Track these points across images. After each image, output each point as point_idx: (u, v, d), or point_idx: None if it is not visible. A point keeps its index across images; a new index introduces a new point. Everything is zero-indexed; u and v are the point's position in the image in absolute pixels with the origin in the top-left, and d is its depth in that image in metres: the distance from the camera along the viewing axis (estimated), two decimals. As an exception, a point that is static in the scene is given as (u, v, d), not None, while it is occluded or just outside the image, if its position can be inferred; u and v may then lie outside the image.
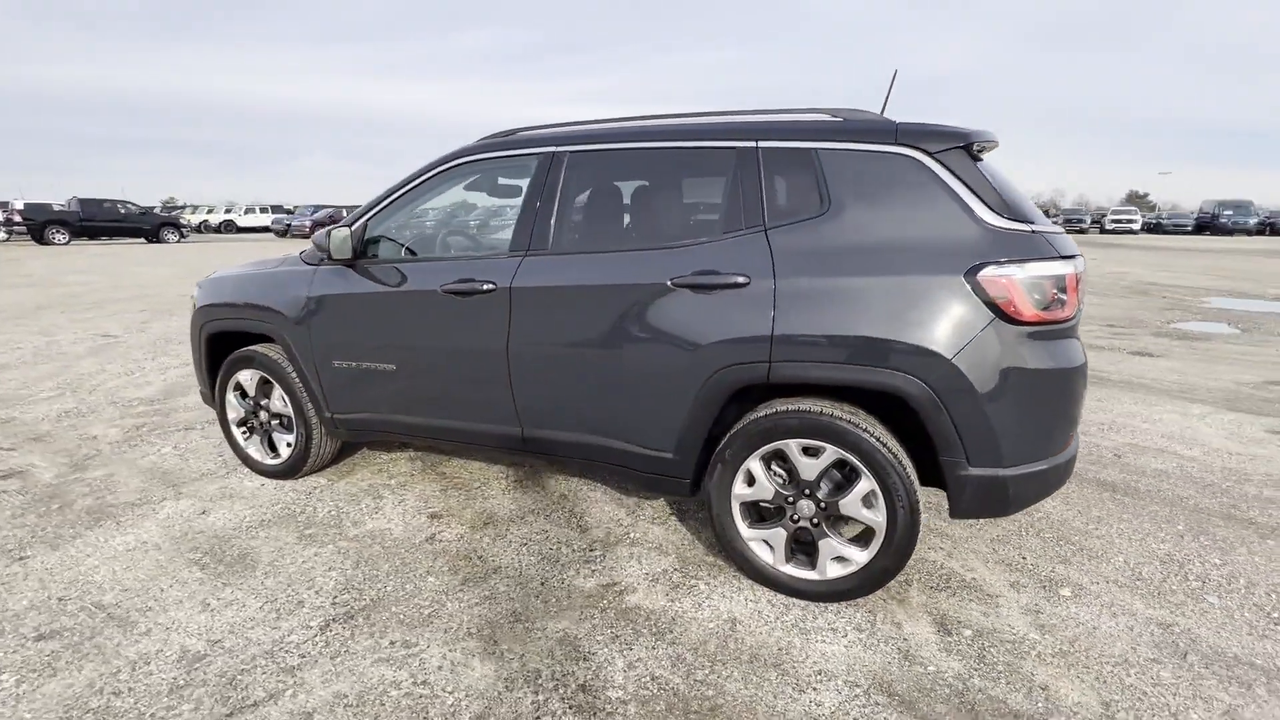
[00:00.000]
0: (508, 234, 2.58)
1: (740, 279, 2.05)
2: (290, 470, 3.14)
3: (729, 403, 2.14)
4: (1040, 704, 1.74)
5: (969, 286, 1.84)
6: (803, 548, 2.20)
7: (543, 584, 2.33)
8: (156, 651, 1.97)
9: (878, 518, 2.01)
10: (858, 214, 1.99)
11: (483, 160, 2.62)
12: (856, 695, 1.77)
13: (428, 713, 1.73)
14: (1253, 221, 32.04)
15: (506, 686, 1.83)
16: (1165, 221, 36.12)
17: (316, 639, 2.03)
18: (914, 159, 1.97)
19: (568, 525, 2.75)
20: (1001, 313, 1.82)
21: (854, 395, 2.09)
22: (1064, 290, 1.85)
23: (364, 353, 2.75)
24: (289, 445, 3.12)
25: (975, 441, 1.87)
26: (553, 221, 2.39)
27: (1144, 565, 2.40)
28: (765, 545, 2.21)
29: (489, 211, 3.29)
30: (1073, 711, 1.71)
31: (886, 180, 1.98)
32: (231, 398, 3.20)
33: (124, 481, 3.21)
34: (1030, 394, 1.86)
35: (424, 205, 2.81)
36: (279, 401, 3.07)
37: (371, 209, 2.77)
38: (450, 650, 1.98)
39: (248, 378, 3.11)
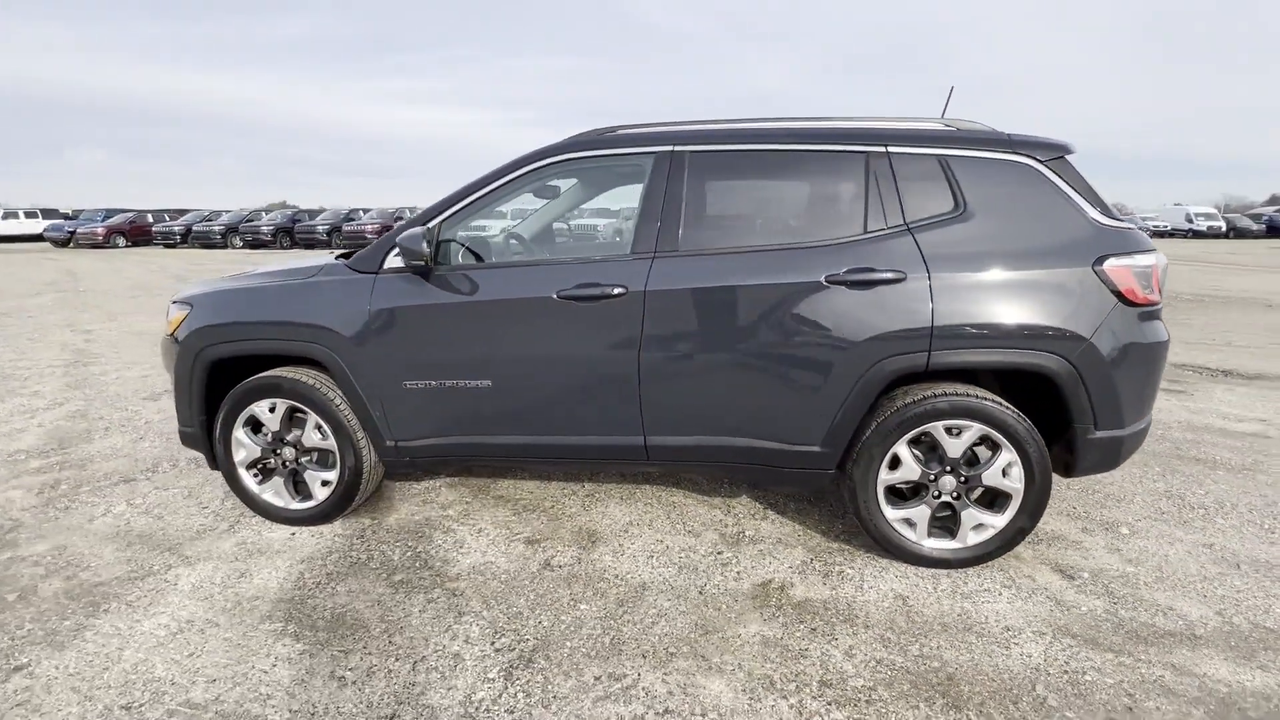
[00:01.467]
0: (608, 235, 2.47)
1: (896, 275, 2.18)
2: (327, 514, 2.71)
3: (883, 393, 2.26)
4: (1179, 622, 2.08)
5: (1096, 276, 2.14)
6: (940, 521, 2.39)
7: (701, 593, 2.27)
8: (327, 743, 1.63)
9: (1016, 484, 2.25)
10: (989, 214, 2.21)
11: (582, 159, 2.48)
12: (1049, 642, 1.99)
13: (697, 740, 1.64)
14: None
15: (751, 698, 1.78)
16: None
17: (508, 690, 1.81)
18: (1029, 165, 2.24)
19: (676, 532, 2.69)
20: (1122, 297, 2.15)
21: (986, 377, 2.31)
22: (1157, 277, 2.23)
23: (448, 370, 2.46)
24: (326, 484, 2.68)
25: (1104, 409, 2.18)
26: (680, 222, 2.34)
27: (1158, 501, 2.94)
28: (907, 524, 2.36)
29: (568, 212, 3.07)
30: (1203, 622, 2.07)
31: (1009, 184, 2.23)
32: (241, 435, 2.67)
33: (90, 553, 2.54)
34: (1140, 365, 2.21)
35: (502, 206, 2.58)
36: (314, 434, 2.63)
37: (444, 210, 2.49)
38: (665, 674, 1.87)
39: (267, 409, 2.62)
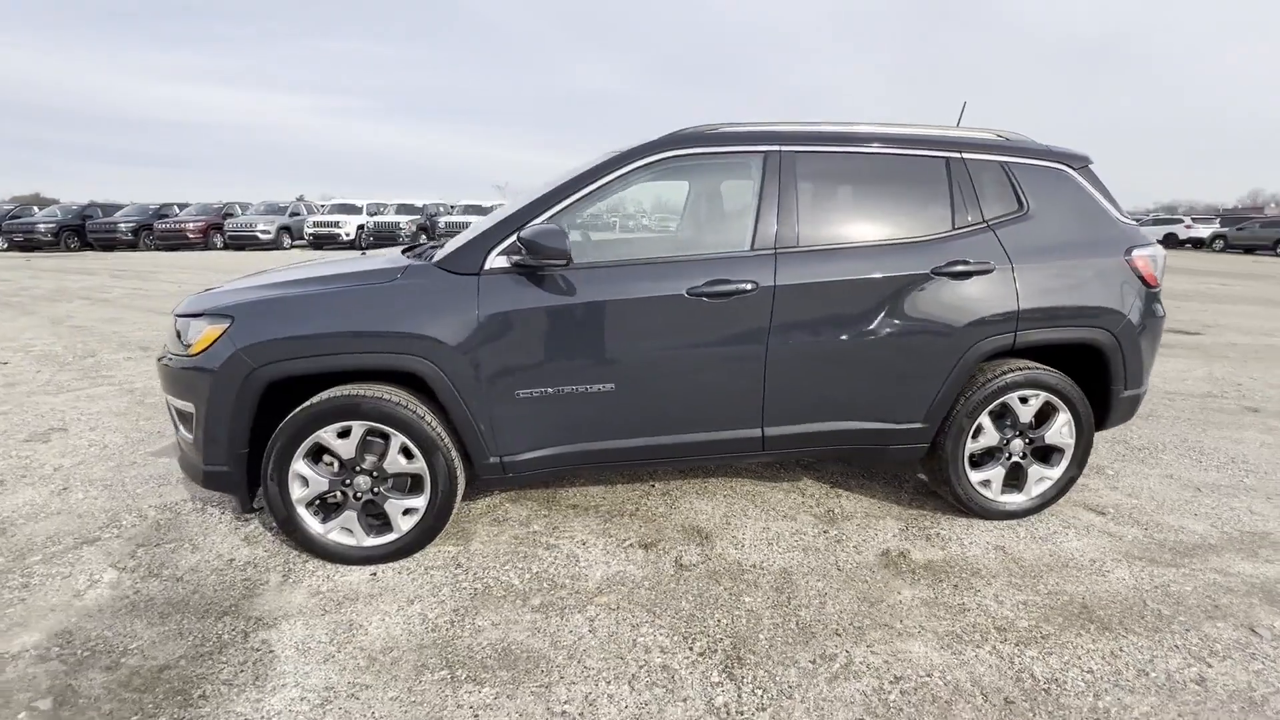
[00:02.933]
0: (714, 231, 2.49)
1: (988, 266, 2.48)
2: (409, 547, 2.41)
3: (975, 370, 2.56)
4: (1195, 536, 2.62)
5: (1127, 264, 2.62)
6: (1009, 479, 2.75)
7: (840, 569, 2.40)
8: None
9: (1069, 440, 2.67)
10: (1046, 213, 2.60)
11: (688, 155, 2.47)
12: (1128, 566, 2.41)
13: (953, 707, 1.77)
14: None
15: (953, 653, 1.94)
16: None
17: (743, 689, 1.80)
18: (1066, 172, 2.67)
19: (773, 519, 2.78)
20: (1144, 281, 2.65)
21: (1038, 352, 2.70)
22: (1161, 265, 2.78)
23: (567, 375, 2.32)
24: (410, 513, 2.38)
25: (1132, 371, 2.67)
26: (797, 219, 2.43)
27: (1112, 446, 3.62)
28: (985, 485, 2.69)
29: (664, 207, 2.93)
30: (1210, 535, 2.63)
31: (1054, 187, 2.64)
32: (302, 468, 2.28)
33: (114, 635, 2.02)
34: (1153, 336, 2.74)
35: (604, 203, 2.47)
36: (400, 459, 2.32)
37: (551, 207, 2.34)
38: (869, 646, 1.97)
39: (336, 435, 2.27)
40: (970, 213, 2.55)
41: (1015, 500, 2.72)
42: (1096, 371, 2.68)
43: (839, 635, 2.02)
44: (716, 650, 1.96)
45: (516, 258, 2.27)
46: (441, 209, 23.07)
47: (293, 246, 20.81)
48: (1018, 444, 2.66)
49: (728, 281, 2.34)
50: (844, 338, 2.44)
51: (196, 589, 2.26)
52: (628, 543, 2.58)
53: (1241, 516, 2.81)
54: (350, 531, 2.36)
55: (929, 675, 1.85)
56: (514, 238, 2.27)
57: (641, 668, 1.88)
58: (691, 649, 1.96)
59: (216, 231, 20.20)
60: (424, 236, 20.19)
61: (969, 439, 2.61)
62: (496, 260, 2.29)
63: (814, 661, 1.91)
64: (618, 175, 2.41)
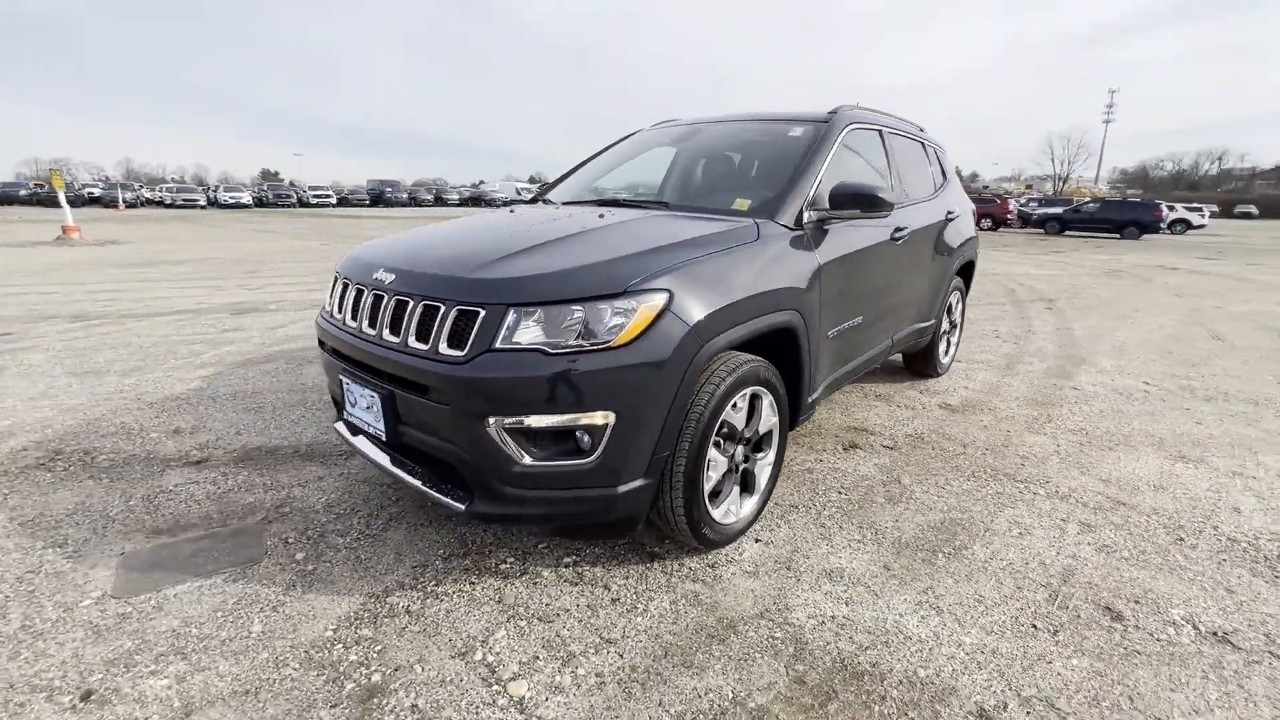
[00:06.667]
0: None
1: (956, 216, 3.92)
2: (762, 507, 2.45)
3: None
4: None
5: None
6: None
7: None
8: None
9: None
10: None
11: (870, 128, 3.15)
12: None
13: None
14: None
15: (1222, 482, 3.37)
16: (350, 196, 43.76)
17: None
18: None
19: (897, 409, 3.73)
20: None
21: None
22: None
23: (847, 314, 2.73)
24: (765, 468, 2.42)
25: None
26: (892, 182, 3.32)
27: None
28: (948, 349, 4.28)
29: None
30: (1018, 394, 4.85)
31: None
32: (714, 453, 2.10)
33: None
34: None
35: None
36: (771, 416, 2.34)
37: (810, 170, 2.59)
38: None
39: (732, 407, 2.15)
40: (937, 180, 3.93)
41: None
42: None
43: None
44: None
45: (815, 212, 2.50)
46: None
47: None
48: (947, 323, 4.30)
49: (902, 230, 3.12)
50: (913, 272, 3.51)
51: (718, 595, 1.86)
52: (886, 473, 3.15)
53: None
54: (731, 508, 2.26)
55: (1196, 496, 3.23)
56: (810, 194, 2.50)
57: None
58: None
59: None
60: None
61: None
62: (809, 214, 2.48)
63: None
64: (836, 144, 2.79)
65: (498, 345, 1.73)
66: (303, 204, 40.01)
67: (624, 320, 1.77)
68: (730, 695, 1.64)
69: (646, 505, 1.96)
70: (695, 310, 1.89)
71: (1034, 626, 1.90)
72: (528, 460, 1.80)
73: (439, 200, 46.20)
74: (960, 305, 4.44)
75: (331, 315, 2.29)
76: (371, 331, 2.02)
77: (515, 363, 1.71)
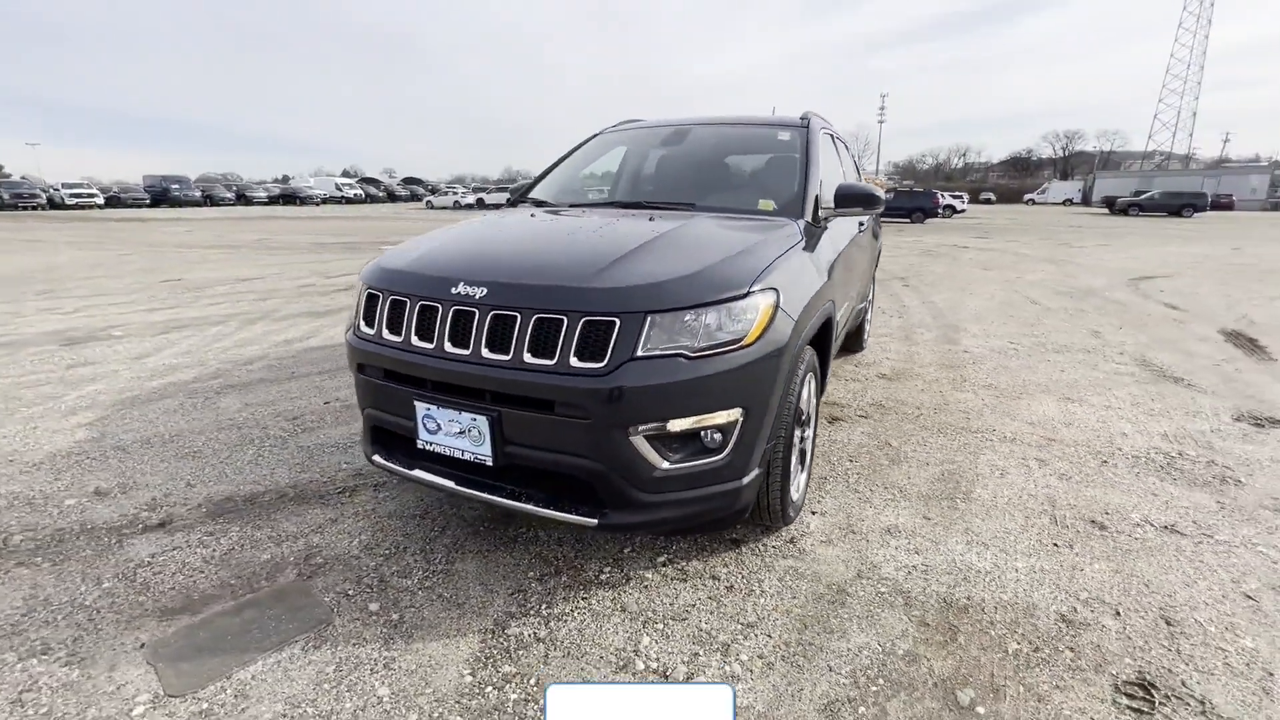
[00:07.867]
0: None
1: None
2: (806, 485, 2.68)
3: None
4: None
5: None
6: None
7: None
8: None
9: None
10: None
11: (827, 133, 3.41)
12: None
13: (999, 400, 3.83)
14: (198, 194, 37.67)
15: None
16: (123, 195, 36.33)
17: (987, 432, 3.37)
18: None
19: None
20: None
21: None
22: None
23: (841, 297, 3.02)
24: (809, 444, 2.64)
25: None
26: (850, 177, 3.72)
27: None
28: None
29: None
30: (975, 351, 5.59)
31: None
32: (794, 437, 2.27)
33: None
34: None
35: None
36: (811, 396, 2.54)
37: (811, 173, 2.84)
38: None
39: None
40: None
41: (865, 335, 5.00)
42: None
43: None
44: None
45: (824, 210, 2.76)
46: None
47: None
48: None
49: (862, 220, 3.50)
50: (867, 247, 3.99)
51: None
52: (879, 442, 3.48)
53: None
54: (798, 485, 2.45)
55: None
56: (819, 193, 2.75)
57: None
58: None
59: None
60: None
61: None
62: (823, 212, 2.72)
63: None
64: (820, 146, 3.08)
65: (639, 353, 1.73)
66: (56, 205, 32.42)
67: (752, 319, 1.86)
68: (879, 647, 1.82)
69: (756, 494, 2.06)
70: (795, 306, 2.03)
71: (1055, 544, 2.34)
72: (665, 465, 1.81)
73: (243, 198, 40.32)
74: (874, 285, 5.06)
75: (381, 336, 2.06)
76: (460, 350, 1.87)
77: (660, 369, 1.72)
